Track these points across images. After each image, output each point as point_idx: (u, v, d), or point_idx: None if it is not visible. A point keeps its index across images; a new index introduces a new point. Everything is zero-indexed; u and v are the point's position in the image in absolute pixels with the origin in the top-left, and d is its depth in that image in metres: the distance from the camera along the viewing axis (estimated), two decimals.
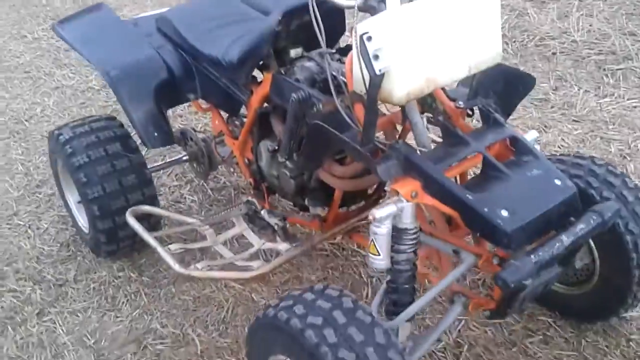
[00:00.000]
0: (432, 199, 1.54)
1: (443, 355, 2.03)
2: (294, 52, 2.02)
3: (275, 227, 2.11)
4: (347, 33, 2.00)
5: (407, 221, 1.57)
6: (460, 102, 1.76)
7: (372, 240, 1.57)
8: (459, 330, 2.11)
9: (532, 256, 1.44)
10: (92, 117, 2.52)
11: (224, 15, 2.24)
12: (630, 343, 2.02)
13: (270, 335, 1.54)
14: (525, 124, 3.29)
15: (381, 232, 1.55)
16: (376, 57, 1.42)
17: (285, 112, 1.89)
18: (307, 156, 1.81)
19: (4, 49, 4.85)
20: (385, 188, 2.10)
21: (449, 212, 1.54)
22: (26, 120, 3.78)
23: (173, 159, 2.74)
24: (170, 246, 2.14)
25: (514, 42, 4.28)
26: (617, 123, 3.30)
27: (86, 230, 2.55)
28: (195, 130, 2.60)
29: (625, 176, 1.90)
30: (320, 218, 2.08)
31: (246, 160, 2.30)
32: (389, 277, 1.68)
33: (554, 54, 4.12)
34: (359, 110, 1.65)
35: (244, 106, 2.23)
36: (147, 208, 2.29)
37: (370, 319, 1.45)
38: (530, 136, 1.74)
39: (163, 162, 2.83)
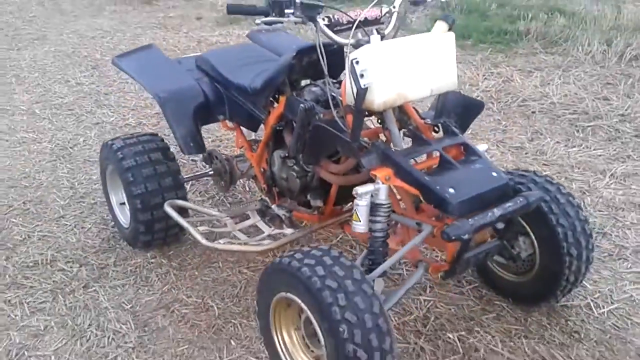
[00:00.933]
0: (401, 182, 2.08)
1: (414, 324, 2.50)
2: (303, 82, 2.61)
3: (283, 217, 2.64)
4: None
5: (382, 198, 2.10)
6: (428, 120, 2.32)
7: (355, 210, 2.10)
8: (428, 308, 2.58)
9: (469, 220, 1.96)
10: (139, 133, 3.11)
11: (249, 57, 2.89)
12: (568, 322, 2.48)
13: (281, 277, 2.03)
14: (502, 165, 3.82)
15: (362, 204, 2.08)
16: (362, 75, 1.99)
17: (294, 126, 2.46)
18: (309, 153, 2.36)
19: (49, 90, 5.53)
20: None
21: (413, 191, 2.07)
22: (70, 148, 4.37)
23: (201, 172, 3.29)
24: (198, 227, 2.66)
25: (499, 102, 4.90)
26: (582, 167, 3.85)
27: (126, 226, 3.08)
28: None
29: (560, 185, 2.42)
30: (318, 211, 2.60)
31: (262, 169, 2.85)
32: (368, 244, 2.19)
33: (533, 112, 4.73)
34: (350, 119, 2.21)
35: (262, 125, 2.80)
36: (181, 202, 2.83)
37: (350, 264, 1.96)
38: (481, 147, 2.29)
39: (193, 174, 3.38)
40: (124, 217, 3.14)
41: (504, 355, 2.32)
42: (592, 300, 2.60)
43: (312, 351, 2.11)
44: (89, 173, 3.97)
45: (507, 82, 5.33)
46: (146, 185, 2.84)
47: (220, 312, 2.62)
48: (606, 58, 5.93)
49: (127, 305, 2.70)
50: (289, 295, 2.01)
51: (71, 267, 2.99)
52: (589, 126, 4.46)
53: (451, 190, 1.99)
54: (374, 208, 2.12)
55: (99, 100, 5.21)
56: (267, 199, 2.78)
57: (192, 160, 3.96)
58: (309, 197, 2.60)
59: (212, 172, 3.25)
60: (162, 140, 3.06)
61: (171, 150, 3.03)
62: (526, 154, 4.04)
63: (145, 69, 3.02)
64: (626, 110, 4.64)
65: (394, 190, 2.23)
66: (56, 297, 2.78)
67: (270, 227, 2.67)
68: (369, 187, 2.08)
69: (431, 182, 2.02)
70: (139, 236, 2.96)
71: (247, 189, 3.64)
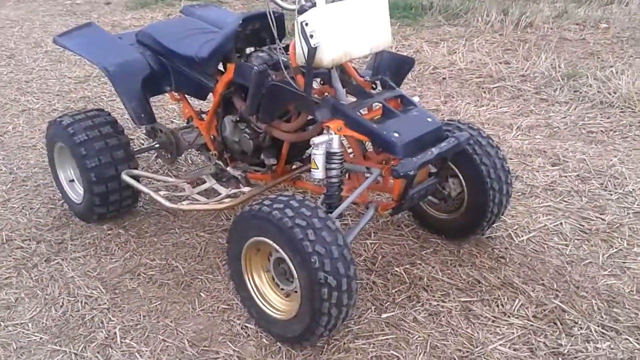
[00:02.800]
0: (351, 131, 2.35)
1: (365, 264, 2.80)
2: (248, 50, 2.82)
3: (239, 178, 2.85)
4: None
5: (335, 147, 2.37)
6: (367, 77, 2.61)
7: (313, 159, 2.35)
8: (375, 249, 2.89)
9: (414, 158, 2.26)
10: (85, 109, 3.21)
11: (189, 29, 3.05)
12: (494, 250, 2.86)
13: (253, 223, 2.25)
14: None
15: (319, 152, 2.34)
16: (312, 36, 2.24)
17: (245, 91, 2.67)
18: (265, 111, 2.58)
19: None
20: None
21: (363, 138, 2.35)
22: (1, 136, 4.34)
23: (148, 145, 3.42)
24: (160, 192, 2.82)
25: (413, 71, 5.28)
26: (491, 123, 4.28)
27: (78, 201, 3.18)
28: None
29: (481, 130, 2.77)
30: (271, 170, 2.84)
31: (212, 137, 3.03)
32: (325, 190, 2.45)
33: (444, 78, 5.14)
34: (300, 79, 2.45)
35: (211, 93, 2.98)
36: (137, 172, 2.98)
37: (314, 205, 2.21)
38: (415, 99, 2.60)
39: (140, 147, 3.50)
40: (74, 193, 3.24)
41: (444, 281, 2.66)
42: (512, 231, 2.99)
43: (282, 289, 2.35)
44: (25, 158, 3.99)
45: (417, 53, 5.73)
46: (99, 158, 2.96)
47: (185, 270, 2.81)
48: (504, 26, 6.47)
49: (92, 273, 2.83)
50: (261, 238, 2.24)
51: (29, 245, 3.07)
52: (494, 87, 4.92)
53: (396, 135, 2.29)
54: (328, 157, 2.38)
55: (21, 88, 5.16)
56: (220, 163, 2.97)
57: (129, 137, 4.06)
58: (262, 156, 2.82)
59: (157, 145, 3.39)
60: (110, 114, 3.17)
61: (119, 123, 3.15)
62: (442, 115, 4.43)
63: (90, 46, 3.12)
64: (525, 71, 5.15)
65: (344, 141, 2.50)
66: (20, 272, 2.86)
67: (227, 188, 2.87)
68: (324, 137, 2.34)
69: (378, 129, 2.30)
70: (94, 209, 3.07)
71: (190, 161, 3.81)
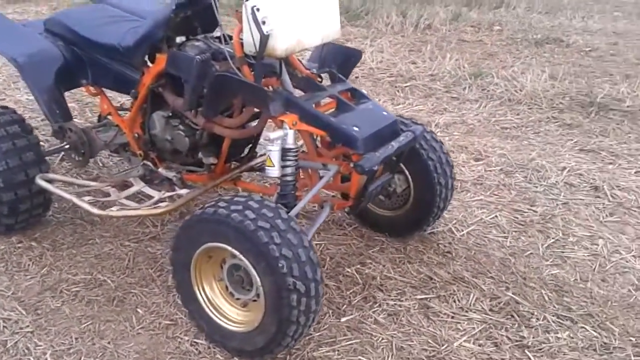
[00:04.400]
0: (307, 125, 2.20)
1: None
2: (179, 39, 2.58)
3: (174, 179, 2.61)
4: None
5: (290, 142, 2.21)
6: (314, 70, 2.47)
7: (268, 156, 2.18)
8: (321, 250, 2.75)
9: (376, 153, 2.16)
10: None
11: (105, 16, 2.76)
12: (439, 245, 2.83)
13: (207, 227, 2.04)
14: None
15: (275, 149, 2.17)
16: (264, 22, 2.07)
17: (177, 83, 2.45)
18: (209, 105, 2.36)
19: None
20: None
21: (320, 133, 2.21)
22: None
23: (57, 146, 3.05)
24: (84, 198, 2.51)
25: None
26: None
27: None
28: None
29: (424, 125, 2.72)
30: (209, 170, 2.62)
31: (135, 135, 2.76)
32: (279, 189, 2.28)
33: (357, 77, 5.12)
34: (246, 70, 2.27)
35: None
36: (54, 175, 2.65)
37: (275, 206, 2.04)
38: (364, 90, 2.51)
39: (47, 149, 3.13)
40: None
41: (397, 279, 2.58)
42: (452, 226, 2.98)
43: (238, 299, 2.16)
44: None
45: None
46: (7, 162, 2.61)
47: (115, 284, 2.52)
48: (404, 28, 6.60)
49: (6, 292, 2.47)
50: (217, 244, 2.03)
51: None
52: (406, 86, 4.97)
53: (356, 129, 2.17)
54: (283, 153, 2.21)
55: None
56: (149, 164, 2.71)
57: None
58: (200, 155, 2.60)
59: (67, 146, 3.04)
60: (16, 112, 2.81)
61: (27, 121, 2.80)
62: None
63: None
64: (434, 71, 5.25)
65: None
66: None
67: (160, 191, 2.62)
68: (279, 132, 2.17)
69: (336, 122, 2.18)
70: (0, 220, 2.70)
71: (101, 164, 3.48)
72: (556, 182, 3.44)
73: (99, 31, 2.63)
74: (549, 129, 4.23)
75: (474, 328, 2.32)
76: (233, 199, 2.06)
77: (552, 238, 2.90)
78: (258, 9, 2.07)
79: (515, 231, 2.96)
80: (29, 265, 2.64)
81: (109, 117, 2.97)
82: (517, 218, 3.08)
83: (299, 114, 2.20)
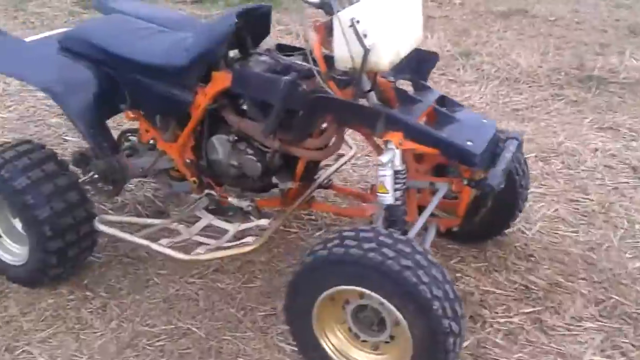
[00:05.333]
0: (413, 143, 2.02)
1: None
2: (232, 53, 2.31)
3: (249, 209, 2.36)
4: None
5: (398, 164, 2.02)
6: (391, 78, 2.27)
7: (381, 181, 1.99)
8: None
9: (498, 167, 2.01)
10: (10, 143, 2.44)
11: (133, 29, 2.43)
12: (517, 247, 2.73)
13: (337, 270, 1.84)
14: None
15: (388, 173, 1.98)
16: (365, 36, 1.86)
17: (237, 103, 2.23)
18: (301, 127, 2.13)
19: None
20: None
21: (430, 151, 2.03)
22: None
23: (86, 177, 2.69)
24: (160, 241, 2.23)
25: None
26: None
27: (17, 263, 2.44)
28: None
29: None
30: (282, 194, 2.39)
31: (188, 161, 2.48)
32: (382, 215, 2.09)
33: None
34: (333, 87, 2.05)
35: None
36: (111, 217, 2.34)
37: (406, 238, 1.86)
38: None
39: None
40: (7, 253, 2.48)
41: (495, 292, 2.47)
42: (520, 225, 2.87)
43: (365, 341, 1.98)
44: None
45: None
46: (51, 206, 2.28)
47: (203, 332, 2.27)
48: None
49: (81, 357, 2.17)
50: (350, 287, 1.84)
51: None
52: None
53: (469, 143, 2.01)
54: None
55: None
56: (214, 193, 2.44)
57: None
58: (273, 179, 2.36)
59: (96, 176, 2.70)
60: (45, 146, 2.46)
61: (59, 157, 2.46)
62: None
63: (13, 60, 2.37)
64: None
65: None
66: None
67: (232, 222, 2.36)
68: (389, 154, 1.98)
69: (447, 137, 2.01)
70: (47, 270, 2.38)
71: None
72: (595, 165, 3.42)
73: (134, 47, 2.31)
74: (558, 108, 4.21)
75: (594, 339, 2.25)
76: (359, 234, 1.86)
77: (621, 228, 2.87)
78: (358, 21, 1.85)
79: (582, 224, 2.91)
80: (92, 320, 2.34)
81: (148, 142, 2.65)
82: (577, 209, 3.03)
83: (404, 132, 2.01)
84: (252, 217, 2.37)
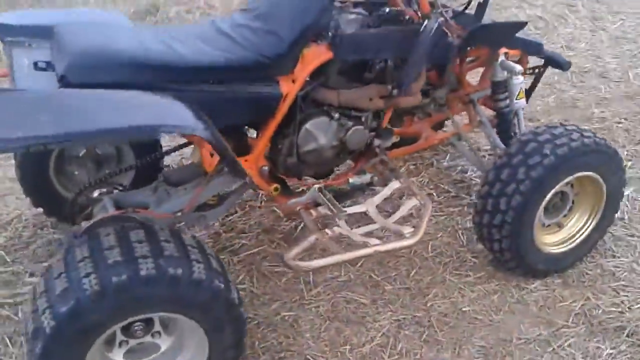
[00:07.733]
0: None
1: None
2: None
3: (373, 181, 2.31)
4: None
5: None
6: None
7: (521, 88, 2.48)
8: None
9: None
10: None
11: (154, 34, 1.99)
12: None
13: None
14: None
15: (520, 79, 2.48)
16: None
17: (344, 69, 2.10)
18: (412, 75, 2.15)
19: None
20: None
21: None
22: None
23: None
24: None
25: None
26: None
27: None
28: None
29: None
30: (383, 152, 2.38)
31: (265, 168, 2.18)
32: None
33: None
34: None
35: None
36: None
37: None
38: None
39: None
40: None
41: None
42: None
43: None
44: None
45: None
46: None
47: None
48: None
49: None
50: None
51: None
52: None
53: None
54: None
55: None
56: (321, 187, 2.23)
57: None
58: (376, 140, 2.32)
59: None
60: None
61: None
62: None
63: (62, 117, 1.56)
64: None
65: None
66: None
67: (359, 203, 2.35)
68: (519, 66, 2.43)
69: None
70: None
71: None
72: None
73: (181, 52, 1.86)
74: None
75: None
76: None
77: None
78: None
79: None
80: None
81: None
82: None
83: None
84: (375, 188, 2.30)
